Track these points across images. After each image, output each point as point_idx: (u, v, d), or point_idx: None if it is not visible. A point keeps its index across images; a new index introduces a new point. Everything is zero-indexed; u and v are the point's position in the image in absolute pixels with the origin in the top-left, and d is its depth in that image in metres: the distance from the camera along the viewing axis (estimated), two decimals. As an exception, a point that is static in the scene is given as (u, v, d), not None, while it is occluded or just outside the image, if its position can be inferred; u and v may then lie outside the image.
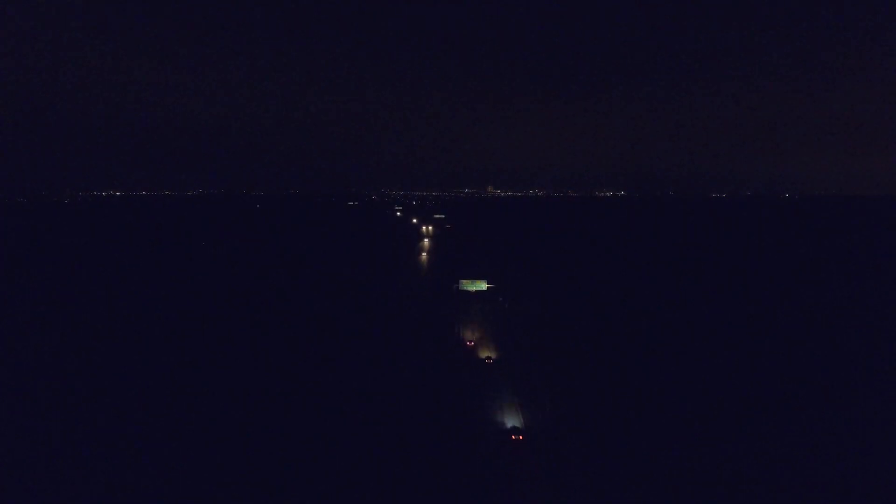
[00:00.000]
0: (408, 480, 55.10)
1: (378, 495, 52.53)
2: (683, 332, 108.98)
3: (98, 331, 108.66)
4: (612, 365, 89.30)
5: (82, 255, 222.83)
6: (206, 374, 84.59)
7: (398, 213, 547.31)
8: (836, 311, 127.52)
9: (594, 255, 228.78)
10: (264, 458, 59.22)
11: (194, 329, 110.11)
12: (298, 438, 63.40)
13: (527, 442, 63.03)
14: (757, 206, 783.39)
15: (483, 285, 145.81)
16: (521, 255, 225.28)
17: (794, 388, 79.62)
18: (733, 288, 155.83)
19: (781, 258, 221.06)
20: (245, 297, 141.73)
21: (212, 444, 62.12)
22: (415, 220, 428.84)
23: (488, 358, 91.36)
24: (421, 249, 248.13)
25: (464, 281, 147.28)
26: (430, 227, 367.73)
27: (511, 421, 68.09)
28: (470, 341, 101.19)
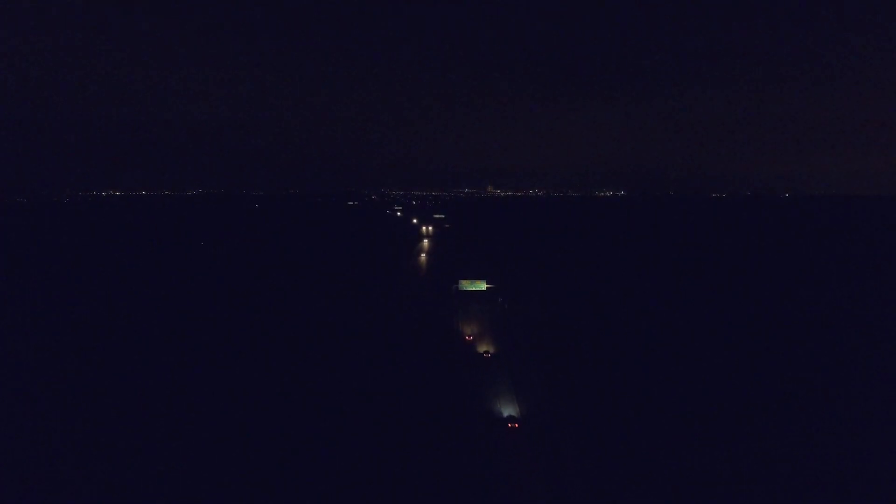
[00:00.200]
0: (407, 467, 56.14)
1: (378, 484, 52.73)
2: (683, 332, 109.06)
3: (98, 330, 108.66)
4: (612, 364, 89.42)
5: (82, 254, 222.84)
6: (205, 373, 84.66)
7: (398, 213, 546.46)
8: (836, 311, 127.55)
9: (594, 255, 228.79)
10: (264, 458, 59.28)
11: (194, 329, 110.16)
12: (298, 438, 63.46)
13: (521, 429, 65.74)
14: (757, 206, 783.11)
15: (483, 286, 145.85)
16: (521, 255, 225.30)
17: (794, 388, 79.65)
18: (733, 288, 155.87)
19: (781, 258, 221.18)
20: (245, 296, 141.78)
21: (211, 444, 62.17)
22: (415, 220, 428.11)
23: (486, 352, 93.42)
24: (421, 250, 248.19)
25: (463, 281, 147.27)
26: (430, 227, 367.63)
27: (507, 410, 70.75)
28: (469, 335, 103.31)
